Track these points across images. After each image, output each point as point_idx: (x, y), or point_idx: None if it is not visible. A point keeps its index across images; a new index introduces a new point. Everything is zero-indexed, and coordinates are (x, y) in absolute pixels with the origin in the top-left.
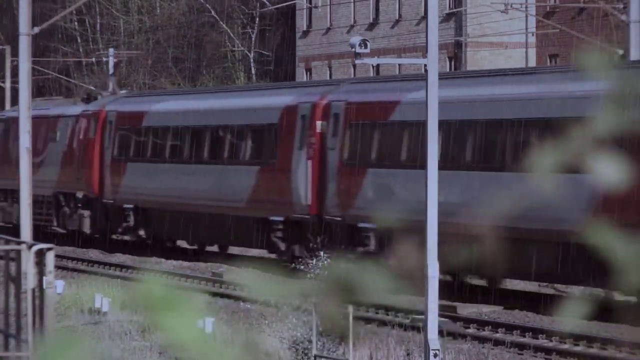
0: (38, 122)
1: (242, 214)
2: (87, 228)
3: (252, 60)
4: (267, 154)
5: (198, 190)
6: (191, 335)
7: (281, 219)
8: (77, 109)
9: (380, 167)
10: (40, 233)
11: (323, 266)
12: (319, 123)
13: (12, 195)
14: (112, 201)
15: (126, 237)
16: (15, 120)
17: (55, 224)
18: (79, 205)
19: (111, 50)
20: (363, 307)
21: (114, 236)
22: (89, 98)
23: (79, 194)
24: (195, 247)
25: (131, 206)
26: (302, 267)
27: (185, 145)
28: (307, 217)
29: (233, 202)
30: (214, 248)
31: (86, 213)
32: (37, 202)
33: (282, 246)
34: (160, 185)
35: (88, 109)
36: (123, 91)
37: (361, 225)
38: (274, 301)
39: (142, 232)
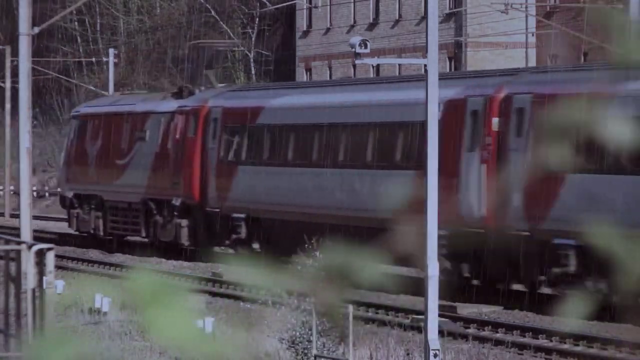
0: (122, 119)
1: (392, 227)
2: (185, 239)
3: (252, 60)
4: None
5: (330, 199)
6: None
7: (445, 232)
8: (171, 104)
9: (586, 172)
10: (115, 243)
11: (319, 265)
12: (495, 120)
13: (89, 201)
14: (217, 209)
15: (230, 251)
16: (93, 117)
17: (143, 234)
18: (175, 213)
19: (111, 50)
20: (363, 307)
21: (216, 249)
22: (180, 92)
23: (176, 201)
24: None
25: (242, 216)
26: (299, 267)
27: (314, 145)
28: (481, 230)
29: (379, 213)
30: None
31: (184, 222)
32: (122, 210)
33: (447, 264)
34: (281, 192)
35: (185, 105)
36: (221, 85)
37: (558, 241)
38: (271, 296)
39: (256, 246)
